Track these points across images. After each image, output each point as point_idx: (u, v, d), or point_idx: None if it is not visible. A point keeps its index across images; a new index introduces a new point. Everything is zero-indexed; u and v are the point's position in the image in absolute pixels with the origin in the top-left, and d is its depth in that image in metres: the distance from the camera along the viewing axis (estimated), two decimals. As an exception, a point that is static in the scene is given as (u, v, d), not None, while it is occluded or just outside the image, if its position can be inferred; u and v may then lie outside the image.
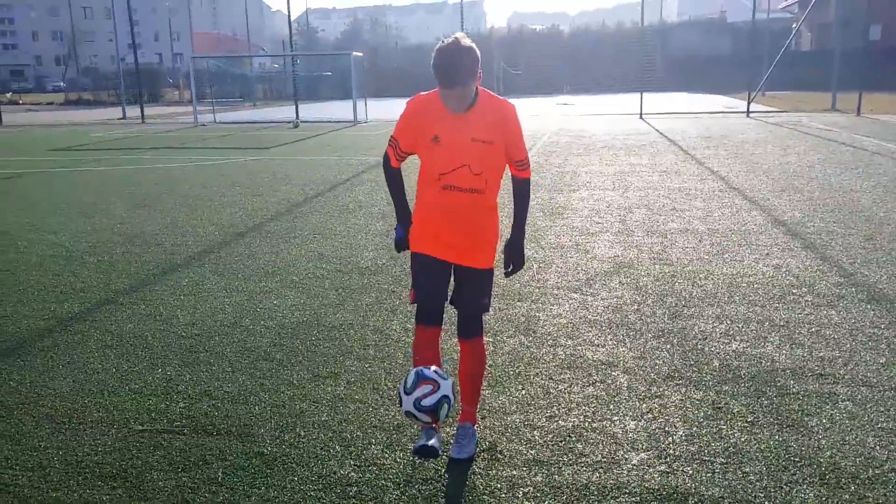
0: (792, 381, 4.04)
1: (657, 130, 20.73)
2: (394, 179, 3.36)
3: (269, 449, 3.44)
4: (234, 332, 5.00)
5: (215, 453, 3.41)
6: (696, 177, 11.56)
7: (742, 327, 4.88)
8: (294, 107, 29.31)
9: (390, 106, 41.33)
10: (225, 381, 4.21)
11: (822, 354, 4.40)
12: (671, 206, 9.08)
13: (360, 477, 3.20)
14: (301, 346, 4.71)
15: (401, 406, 2.99)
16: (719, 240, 7.30)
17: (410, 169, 3.22)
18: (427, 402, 2.93)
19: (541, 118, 27.98)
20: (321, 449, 3.43)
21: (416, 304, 3.31)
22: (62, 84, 78.62)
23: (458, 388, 3.33)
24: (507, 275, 3.45)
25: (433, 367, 3.03)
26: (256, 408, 3.86)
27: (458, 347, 3.51)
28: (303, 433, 3.58)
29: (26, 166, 15.35)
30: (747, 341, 4.64)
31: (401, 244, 3.41)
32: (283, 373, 4.30)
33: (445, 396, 2.95)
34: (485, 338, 4.74)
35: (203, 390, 4.09)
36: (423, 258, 3.26)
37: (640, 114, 26.38)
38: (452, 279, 3.35)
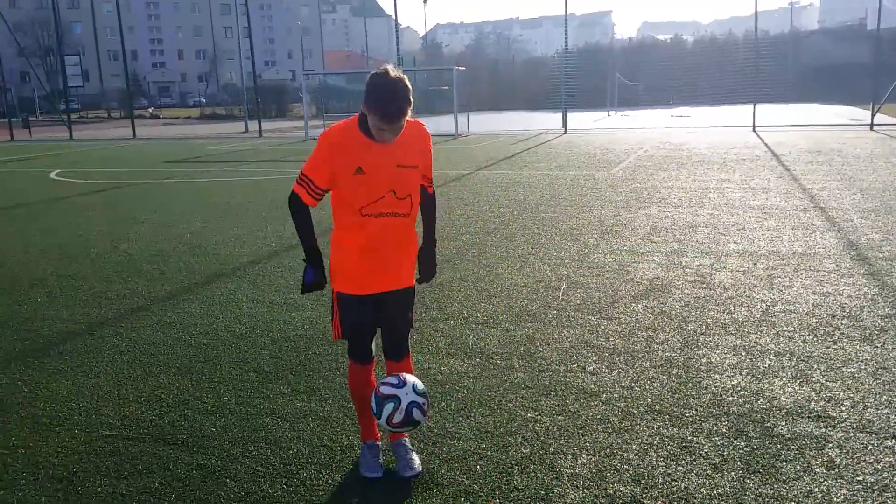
0: (783, 422, 3.70)
1: (765, 144, 19.68)
2: (306, 218, 3.24)
3: (213, 462, 3.49)
4: (240, 343, 5.12)
5: (162, 463, 3.49)
6: (782, 194, 10.87)
7: (755, 360, 4.53)
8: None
9: (503, 119, 41.59)
10: (207, 391, 4.31)
11: (831, 394, 4.01)
12: (740, 226, 8.58)
13: (284, 495, 3.19)
14: (295, 361, 4.76)
15: (398, 389, 3.08)
16: (776, 263, 6.82)
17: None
18: (397, 418, 3.01)
19: (644, 131, 27.22)
20: (260, 465, 3.45)
21: (345, 340, 3.35)
22: (202, 100, 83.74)
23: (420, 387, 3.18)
24: (418, 282, 3.40)
25: (386, 380, 3.12)
26: (222, 420, 3.93)
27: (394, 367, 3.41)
28: (251, 448, 3.61)
29: (136, 177, 16.41)
30: (754, 375, 4.30)
31: (311, 287, 3.26)
32: (266, 386, 4.36)
33: (411, 403, 3.02)
34: (475, 360, 4.66)
35: (182, 400, 4.21)
36: (350, 298, 3.22)
37: (753, 126, 25.12)
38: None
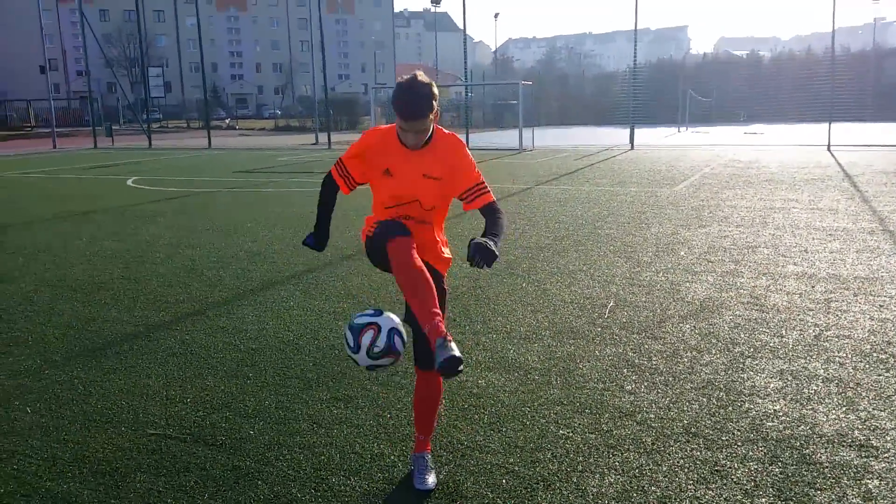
0: (822, 450, 3.60)
1: (839, 164, 19.06)
2: (329, 196, 3.43)
3: (247, 464, 3.60)
4: (286, 350, 5.25)
5: (199, 462, 3.62)
6: (851, 216, 10.52)
7: (801, 385, 4.41)
8: (465, 134, 30.11)
9: (570, 134, 41.40)
10: (250, 395, 4.44)
11: (878, 423, 3.88)
12: (802, 247, 8.34)
13: (311, 500, 3.26)
14: (337, 369, 4.86)
15: (360, 365, 3.00)
16: (835, 286, 6.62)
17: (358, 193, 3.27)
18: (378, 346, 2.90)
19: (714, 148, 26.67)
20: (292, 469, 3.54)
21: (377, 236, 3.06)
22: (277, 111, 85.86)
23: (399, 327, 3.00)
24: (472, 264, 2.92)
25: (362, 313, 3.02)
26: (260, 423, 4.05)
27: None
28: (285, 452, 3.71)
29: (207, 186, 16.96)
30: (798, 401, 4.18)
31: (309, 244, 3.54)
32: (306, 392, 4.47)
33: (392, 329, 2.93)
34: (513, 374, 4.67)
35: (226, 403, 4.35)
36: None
37: (828, 145, 24.35)
38: None
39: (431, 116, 3.03)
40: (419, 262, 2.96)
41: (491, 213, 3.19)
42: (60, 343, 5.50)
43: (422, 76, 3.02)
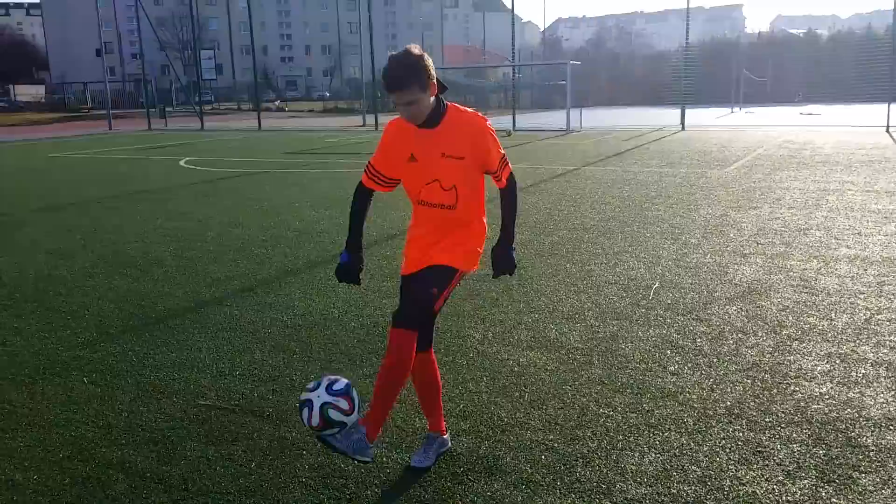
0: (868, 433, 3.55)
1: (899, 145, 18.48)
2: (357, 206, 3.36)
3: (292, 434, 3.70)
4: (332, 327, 5.35)
5: (247, 432, 3.73)
6: (909, 198, 10.21)
7: (849, 368, 4.34)
8: (511, 116, 29.95)
9: (619, 115, 40.85)
10: (295, 370, 4.55)
11: (928, 408, 3.80)
12: (855, 230, 8.14)
13: (353, 471, 3.35)
14: (380, 345, 4.93)
15: (311, 393, 2.94)
16: (888, 270, 6.46)
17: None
18: (314, 421, 2.89)
19: (767, 129, 26.06)
20: (336, 441, 3.62)
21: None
22: (326, 93, 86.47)
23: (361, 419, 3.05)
24: (494, 276, 3.40)
25: (307, 385, 3.01)
26: (305, 397, 4.14)
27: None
28: (329, 424, 3.79)
29: (256, 167, 17.22)
30: (845, 384, 4.12)
31: (341, 273, 3.37)
32: (350, 367, 4.56)
33: (324, 403, 2.88)
34: (556, 353, 4.68)
35: (271, 376, 4.46)
36: (403, 279, 3.35)
37: (887, 126, 23.57)
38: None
39: (419, 88, 2.93)
40: (408, 370, 3.11)
41: (504, 198, 3.35)
42: (116, 317, 5.69)
43: (415, 49, 2.93)
